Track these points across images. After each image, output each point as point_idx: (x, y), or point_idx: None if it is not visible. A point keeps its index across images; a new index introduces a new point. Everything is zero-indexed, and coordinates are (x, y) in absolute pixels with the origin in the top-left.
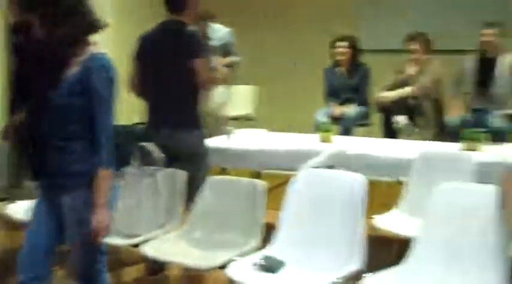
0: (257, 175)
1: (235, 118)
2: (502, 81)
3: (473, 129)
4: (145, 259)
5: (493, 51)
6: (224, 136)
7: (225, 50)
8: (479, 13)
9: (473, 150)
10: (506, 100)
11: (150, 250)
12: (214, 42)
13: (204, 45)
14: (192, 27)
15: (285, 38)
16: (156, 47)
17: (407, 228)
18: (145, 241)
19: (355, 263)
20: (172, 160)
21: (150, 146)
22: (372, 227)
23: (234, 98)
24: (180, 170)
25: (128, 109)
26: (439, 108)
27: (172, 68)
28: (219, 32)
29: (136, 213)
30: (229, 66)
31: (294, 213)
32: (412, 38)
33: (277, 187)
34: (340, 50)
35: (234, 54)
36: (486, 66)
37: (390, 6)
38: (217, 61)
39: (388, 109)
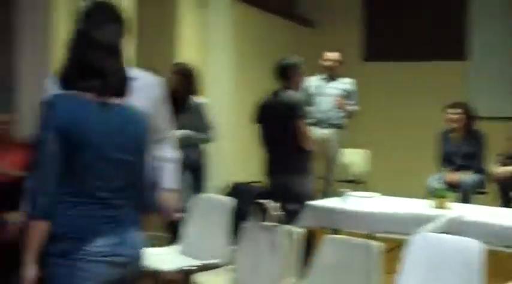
0: (371, 238)
1: (349, 181)
2: None
3: None
4: None
5: None
6: (339, 198)
7: (347, 98)
8: None
9: None
10: None
11: None
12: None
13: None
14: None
15: (397, 103)
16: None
17: None
18: None
19: None
20: (283, 200)
21: (269, 203)
22: None
23: (347, 161)
24: (296, 228)
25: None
26: None
27: (281, 127)
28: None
29: (254, 268)
30: (348, 116)
31: (410, 277)
32: None
33: (390, 251)
34: (454, 116)
35: (354, 103)
36: None
37: (504, 73)
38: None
39: (504, 182)
